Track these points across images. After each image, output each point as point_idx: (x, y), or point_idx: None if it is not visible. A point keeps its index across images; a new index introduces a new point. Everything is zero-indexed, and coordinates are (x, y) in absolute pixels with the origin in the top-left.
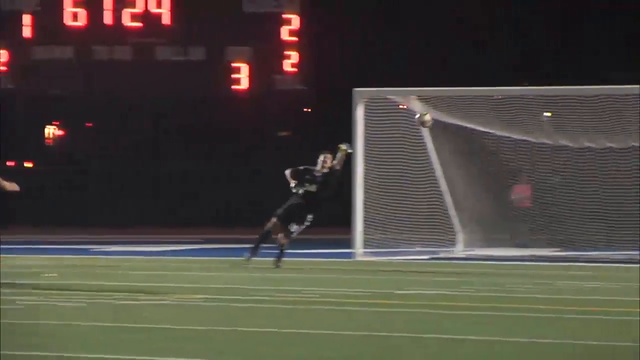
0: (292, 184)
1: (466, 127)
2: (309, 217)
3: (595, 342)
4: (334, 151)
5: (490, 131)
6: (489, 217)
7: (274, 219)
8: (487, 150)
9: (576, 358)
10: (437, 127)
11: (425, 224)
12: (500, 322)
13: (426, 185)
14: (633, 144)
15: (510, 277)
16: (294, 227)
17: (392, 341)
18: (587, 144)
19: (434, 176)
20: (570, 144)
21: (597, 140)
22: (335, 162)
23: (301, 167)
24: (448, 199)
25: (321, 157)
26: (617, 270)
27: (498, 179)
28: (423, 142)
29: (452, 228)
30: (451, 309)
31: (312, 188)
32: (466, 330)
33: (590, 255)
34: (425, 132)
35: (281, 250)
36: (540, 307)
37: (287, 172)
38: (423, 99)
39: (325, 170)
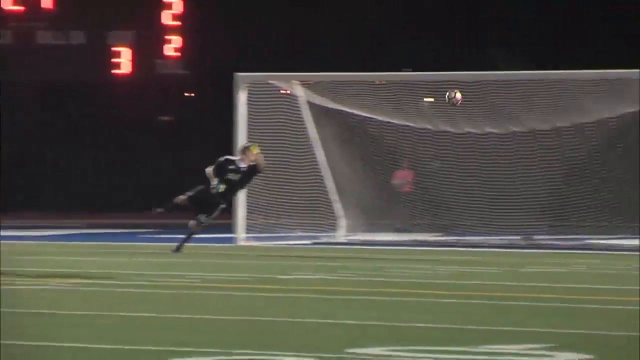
0: (214, 182)
1: (349, 113)
2: (222, 206)
3: (474, 327)
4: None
5: (373, 116)
6: (370, 202)
7: (183, 197)
8: (370, 135)
9: (452, 343)
10: (320, 112)
11: (307, 209)
12: (380, 306)
13: (308, 171)
14: (513, 129)
15: (391, 262)
16: (203, 218)
17: (274, 326)
18: (467, 129)
19: (316, 161)
20: (451, 129)
21: (478, 125)
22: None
23: (222, 159)
24: (330, 184)
25: (245, 148)
26: (498, 255)
27: (380, 164)
28: (305, 128)
29: (333, 213)
30: (332, 293)
31: (236, 177)
32: (346, 315)
33: (471, 240)
34: (308, 118)
35: (189, 236)
36: (420, 291)
37: (209, 170)
38: (305, 83)
39: (250, 163)
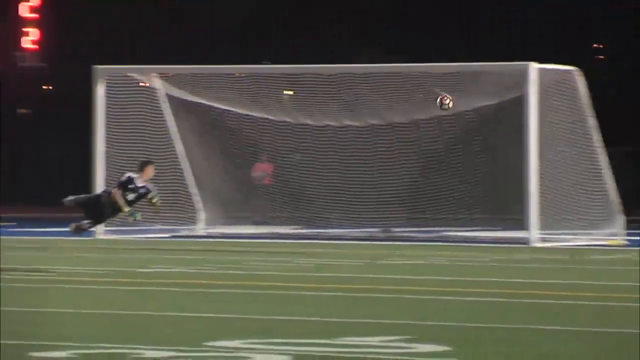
0: (126, 209)
1: (208, 105)
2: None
3: (333, 319)
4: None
5: (232, 109)
6: (230, 195)
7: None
8: (229, 128)
9: (312, 335)
10: (179, 105)
11: (167, 202)
12: (240, 299)
13: (168, 164)
14: (372, 122)
15: (251, 255)
16: (85, 224)
17: (134, 319)
18: (326, 122)
19: (176, 154)
20: (311, 122)
21: (337, 118)
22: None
23: (124, 178)
24: (189, 177)
25: (144, 164)
26: (357, 247)
27: (240, 157)
28: (165, 121)
29: (193, 206)
30: (192, 286)
31: (131, 197)
32: (206, 308)
33: (331, 232)
34: (167, 111)
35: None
36: (279, 284)
37: (117, 193)
38: (164, 76)
39: (147, 184)
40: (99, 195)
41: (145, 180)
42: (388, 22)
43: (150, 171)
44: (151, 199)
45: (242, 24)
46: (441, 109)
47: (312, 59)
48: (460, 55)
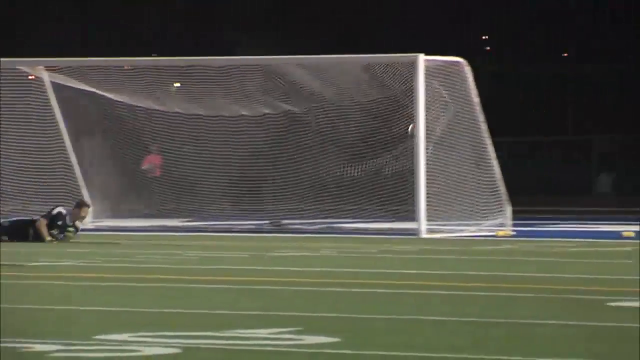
0: (47, 239)
1: (98, 97)
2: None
3: (221, 311)
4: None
5: (122, 101)
6: (119, 188)
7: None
8: (119, 120)
9: (200, 328)
10: (68, 98)
11: (54, 195)
12: (128, 292)
13: (56, 157)
14: (265, 111)
15: (140, 248)
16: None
17: (23, 313)
18: (219, 113)
19: (64, 147)
20: (202, 113)
21: (229, 109)
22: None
23: (54, 212)
24: (77, 169)
25: (81, 203)
26: (246, 239)
27: (129, 149)
28: (53, 113)
29: (81, 199)
30: (80, 279)
31: (55, 232)
32: (94, 301)
33: (220, 224)
34: (55, 103)
35: None
36: (169, 277)
37: (42, 224)
38: (53, 69)
39: (76, 221)
40: (25, 223)
41: (76, 219)
42: (277, 14)
43: (84, 213)
44: (68, 233)
45: (130, 16)
46: (410, 136)
47: (198, 51)
48: (350, 47)
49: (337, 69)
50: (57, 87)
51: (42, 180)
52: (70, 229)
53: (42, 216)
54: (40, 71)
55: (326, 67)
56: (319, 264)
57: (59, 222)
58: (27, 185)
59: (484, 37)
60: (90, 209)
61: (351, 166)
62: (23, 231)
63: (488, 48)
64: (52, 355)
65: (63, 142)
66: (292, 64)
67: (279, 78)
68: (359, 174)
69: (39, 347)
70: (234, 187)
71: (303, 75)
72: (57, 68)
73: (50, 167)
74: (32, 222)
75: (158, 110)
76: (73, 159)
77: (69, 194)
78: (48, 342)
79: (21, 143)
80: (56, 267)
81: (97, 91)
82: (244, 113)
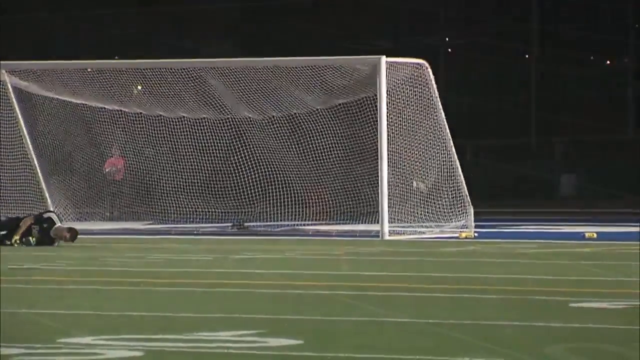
0: (16, 240)
1: (60, 100)
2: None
3: (184, 314)
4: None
5: (85, 103)
6: (82, 191)
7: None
8: (82, 122)
9: (163, 331)
10: (30, 100)
11: (16, 199)
12: (90, 295)
13: (17, 160)
14: (229, 115)
15: (102, 251)
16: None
17: None
18: (182, 114)
19: (25, 151)
20: (165, 115)
21: (193, 111)
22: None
23: (45, 216)
24: (38, 173)
25: (71, 234)
26: (209, 242)
27: (92, 151)
28: (14, 116)
29: (43, 202)
30: (44, 283)
31: (35, 233)
32: (58, 305)
33: (183, 227)
34: (16, 106)
35: None
36: (131, 279)
37: (27, 223)
38: (14, 72)
39: (53, 236)
40: (18, 219)
41: (58, 237)
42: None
43: (69, 239)
44: (32, 237)
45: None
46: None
47: (162, 53)
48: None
49: (301, 72)
50: (18, 90)
51: (5, 185)
52: (33, 239)
53: (30, 217)
54: (3, 74)
55: (291, 70)
56: (283, 267)
57: (45, 225)
58: None
59: (446, 38)
60: (68, 234)
61: (316, 168)
62: (15, 227)
63: (449, 49)
64: (15, 359)
65: (24, 146)
66: (254, 67)
67: (242, 82)
68: (324, 176)
69: (2, 351)
70: (198, 189)
71: (263, 78)
72: (18, 71)
73: (12, 171)
74: (21, 220)
75: (120, 112)
76: (35, 162)
77: (30, 198)
78: (11, 346)
79: None
80: (18, 271)
81: (60, 93)
82: (205, 115)
